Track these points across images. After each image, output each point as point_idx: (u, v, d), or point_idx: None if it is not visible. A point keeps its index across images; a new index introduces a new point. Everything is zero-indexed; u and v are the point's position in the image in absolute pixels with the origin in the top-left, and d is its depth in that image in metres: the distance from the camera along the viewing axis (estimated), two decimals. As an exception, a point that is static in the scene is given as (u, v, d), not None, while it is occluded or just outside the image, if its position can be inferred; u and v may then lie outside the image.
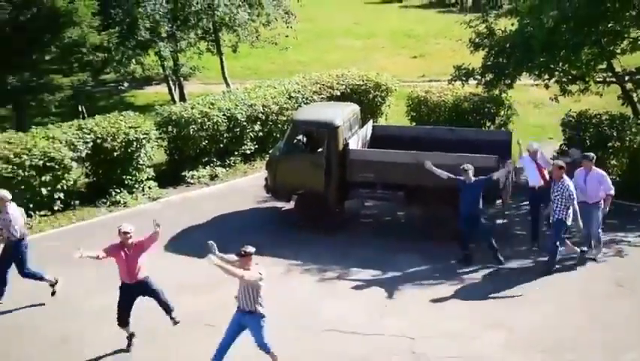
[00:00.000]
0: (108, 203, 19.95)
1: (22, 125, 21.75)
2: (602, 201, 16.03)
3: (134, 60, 27.87)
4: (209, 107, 21.79)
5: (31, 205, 18.66)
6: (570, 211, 15.87)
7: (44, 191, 18.82)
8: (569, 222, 15.93)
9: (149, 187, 20.79)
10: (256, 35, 29.75)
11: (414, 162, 17.26)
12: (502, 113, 22.93)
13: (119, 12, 25.81)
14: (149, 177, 20.82)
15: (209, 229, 18.36)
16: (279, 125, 22.48)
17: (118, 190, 20.19)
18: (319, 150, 18.05)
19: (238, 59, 31.14)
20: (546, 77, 21.46)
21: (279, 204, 19.56)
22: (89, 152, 19.58)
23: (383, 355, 13.51)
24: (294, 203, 18.90)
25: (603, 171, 16.29)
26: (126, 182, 20.35)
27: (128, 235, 12.88)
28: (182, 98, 28.13)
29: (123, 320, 13.34)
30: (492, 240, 16.25)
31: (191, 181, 21.47)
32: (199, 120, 21.34)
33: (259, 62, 31.86)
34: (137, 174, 20.54)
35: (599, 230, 16.14)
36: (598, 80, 21.86)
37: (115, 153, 19.81)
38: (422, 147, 17.98)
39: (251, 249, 12.03)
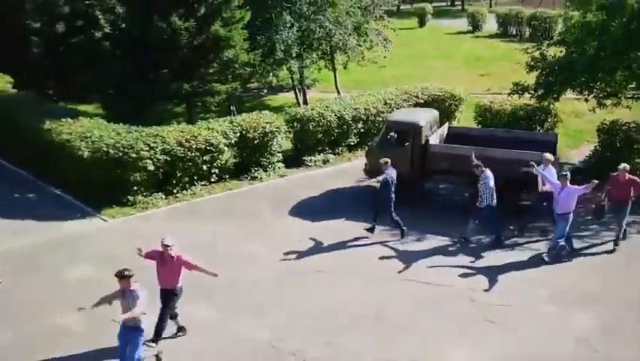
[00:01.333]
0: (249, 178, 21.41)
1: (192, 119, 23.56)
2: (571, 213, 15.47)
3: (271, 73, 29.02)
4: (325, 109, 23.11)
5: (195, 177, 20.26)
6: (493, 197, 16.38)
7: (204, 167, 20.32)
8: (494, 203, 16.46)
9: (279, 167, 22.27)
10: (362, 56, 30.72)
11: (476, 155, 17.56)
12: (550, 120, 23.54)
13: (262, 38, 27.08)
14: (279, 159, 22.36)
15: (322, 198, 20.03)
16: (376, 125, 23.50)
17: (256, 168, 21.68)
18: (406, 144, 19.15)
19: (347, 74, 32.20)
20: (586, 93, 22.19)
21: (375, 184, 19.49)
22: (237, 140, 21.07)
23: (449, 300, 14.37)
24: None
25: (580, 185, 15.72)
26: (262, 163, 21.85)
27: (168, 248, 11.99)
28: (305, 102, 29.61)
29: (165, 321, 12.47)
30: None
31: (309, 164, 22.85)
32: (316, 119, 22.72)
33: (363, 77, 32.96)
34: (270, 157, 22.04)
35: (559, 241, 15.69)
36: (628, 96, 22.63)
37: (255, 141, 21.39)
38: (485, 144, 18.81)
39: (128, 273, 11.03)
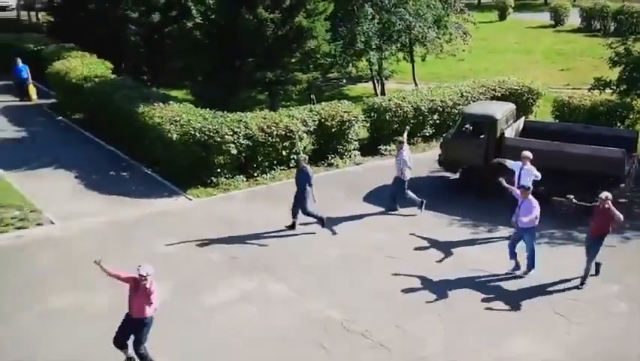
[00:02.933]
0: (326, 164, 21.54)
1: (274, 107, 23.51)
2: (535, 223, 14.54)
3: (351, 64, 29.05)
4: (402, 100, 22.90)
5: (275, 162, 20.57)
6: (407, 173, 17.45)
7: (284, 153, 20.56)
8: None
9: (355, 155, 22.29)
10: (440, 49, 30.42)
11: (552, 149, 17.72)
12: (632, 116, 22.67)
13: (343, 29, 27.05)
14: (355, 147, 22.35)
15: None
16: (452, 117, 23.15)
17: (333, 156, 21.79)
18: (481, 136, 18.81)
19: (425, 65, 31.81)
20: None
21: (447, 175, 20.26)
22: (316, 127, 21.16)
23: (509, 286, 14.38)
24: (459, 174, 19.72)
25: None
26: (339, 150, 21.93)
27: (143, 278, 10.82)
28: (383, 92, 29.27)
29: (119, 341, 11.39)
30: None
31: (385, 153, 22.69)
32: (393, 109, 22.51)
33: (441, 69, 32.62)
34: (347, 145, 22.04)
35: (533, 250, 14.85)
36: None
37: (333, 129, 21.44)
38: (562, 139, 18.38)
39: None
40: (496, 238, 16.66)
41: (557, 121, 23.05)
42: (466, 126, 19.14)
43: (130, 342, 11.33)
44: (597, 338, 12.68)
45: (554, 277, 14.65)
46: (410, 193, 17.98)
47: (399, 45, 29.39)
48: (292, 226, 17.03)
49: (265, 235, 16.73)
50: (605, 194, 13.88)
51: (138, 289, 10.95)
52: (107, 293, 13.31)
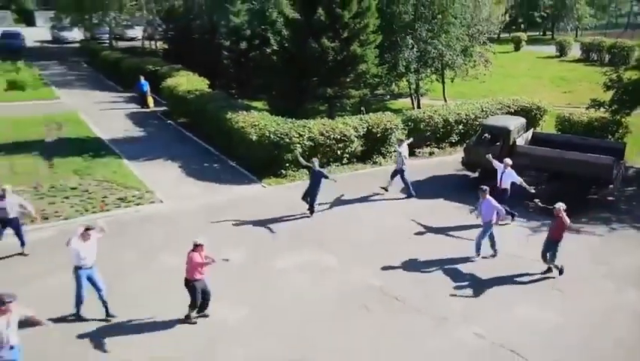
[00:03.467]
0: (371, 163, 21.15)
1: (332, 116, 23.25)
2: (493, 220, 13.84)
3: (394, 83, 28.62)
4: (433, 113, 22.52)
5: (331, 160, 20.37)
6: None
7: (338, 152, 20.35)
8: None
9: (394, 156, 21.50)
10: (466, 73, 29.54)
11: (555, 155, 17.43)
12: (620, 131, 22.10)
13: (389, 56, 26.43)
14: (395, 150, 21.22)
15: (427, 182, 19.38)
16: (474, 127, 22.62)
17: (377, 155, 21.40)
18: (497, 143, 18.40)
19: (453, 86, 31.22)
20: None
21: (468, 173, 19.76)
22: (364, 133, 20.80)
23: (525, 270, 13.74)
24: (478, 173, 19.17)
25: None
26: (382, 151, 21.52)
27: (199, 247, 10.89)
28: (419, 106, 28.84)
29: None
30: None
31: (419, 155, 22.18)
32: (426, 120, 22.17)
33: (466, 89, 31.91)
34: (389, 147, 21.56)
35: (482, 240, 14.05)
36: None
37: (377, 135, 21.09)
38: (563, 148, 18.07)
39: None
40: (505, 225, 16.03)
41: (560, 133, 22.45)
42: (485, 135, 18.72)
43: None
44: (588, 307, 12.37)
45: (557, 261, 14.02)
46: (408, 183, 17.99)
47: (433, 69, 28.83)
48: (311, 212, 16.50)
49: (320, 216, 16.60)
50: (558, 204, 12.84)
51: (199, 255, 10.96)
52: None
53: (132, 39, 56.51)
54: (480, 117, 22.77)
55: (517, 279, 13.39)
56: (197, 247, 10.93)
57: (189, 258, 10.93)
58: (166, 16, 42.21)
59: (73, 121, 26.53)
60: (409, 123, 22.11)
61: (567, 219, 12.78)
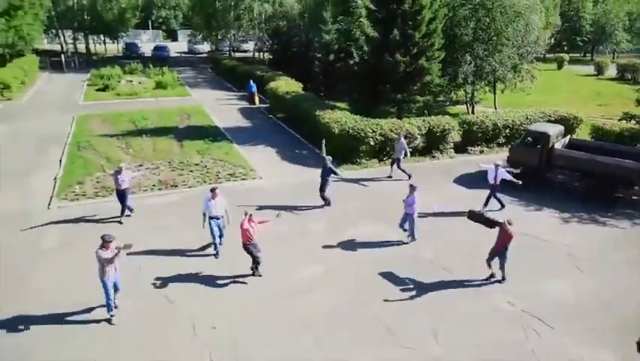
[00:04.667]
0: (430, 157, 20.42)
1: (400, 116, 22.79)
2: (415, 214, 13.00)
3: (453, 92, 27.63)
4: (485, 118, 21.55)
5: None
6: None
7: None
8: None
9: (450, 152, 20.87)
10: (514, 86, 27.69)
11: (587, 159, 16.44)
12: None
13: (450, 70, 25.29)
14: (451, 147, 20.97)
15: (476, 175, 18.26)
16: (519, 132, 21.40)
17: (436, 151, 20.60)
18: (538, 146, 17.45)
19: (503, 96, 29.26)
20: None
21: (511, 170, 18.36)
22: (426, 132, 20.25)
23: (551, 251, 13.11)
24: (520, 170, 17.66)
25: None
26: (440, 148, 20.71)
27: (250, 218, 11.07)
28: (473, 112, 26.93)
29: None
30: None
31: (470, 152, 21.21)
32: (479, 124, 21.24)
33: (513, 99, 30.27)
34: (446, 145, 20.84)
35: (413, 228, 13.22)
36: None
37: (437, 134, 20.44)
38: (596, 153, 16.91)
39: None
40: (542, 215, 15.26)
41: (594, 140, 20.78)
42: (527, 139, 17.77)
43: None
44: (606, 285, 11.73)
45: (579, 243, 13.38)
46: (403, 168, 17.70)
47: (486, 81, 27.49)
48: (327, 204, 15.44)
49: (386, 197, 16.25)
50: (507, 219, 11.23)
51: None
52: (287, 223, 13.91)
53: (245, 51, 57.82)
54: (524, 124, 21.55)
55: (546, 259, 12.76)
56: (246, 216, 11.15)
57: (240, 226, 11.12)
58: (272, 34, 42.88)
59: (199, 113, 27.60)
60: (464, 126, 21.33)
61: (511, 231, 11.09)
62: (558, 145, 17.79)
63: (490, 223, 11.54)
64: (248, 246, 11.23)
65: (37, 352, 9.21)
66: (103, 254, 9.56)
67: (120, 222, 13.97)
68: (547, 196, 16.50)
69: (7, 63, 34.82)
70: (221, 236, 12.41)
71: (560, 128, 18.65)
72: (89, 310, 10.26)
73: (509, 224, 11.11)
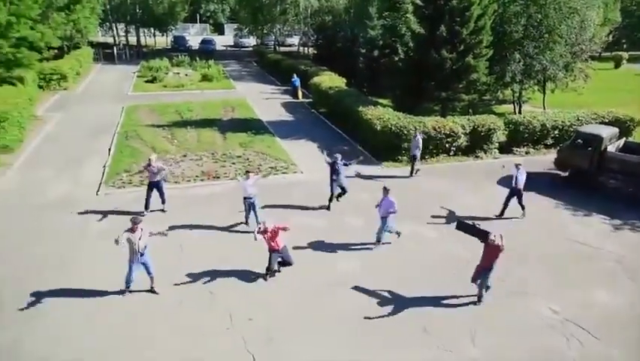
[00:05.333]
0: (474, 156, 19.92)
1: (444, 115, 22.30)
2: (388, 217, 12.42)
3: (500, 91, 26.79)
4: (532, 118, 20.81)
5: (440, 150, 19.59)
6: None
7: (447, 145, 19.50)
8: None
9: (495, 152, 20.24)
10: (565, 85, 26.70)
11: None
12: None
13: (497, 68, 24.52)
14: (495, 147, 20.31)
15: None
16: (568, 133, 20.51)
17: (479, 151, 20.04)
18: (589, 148, 16.79)
19: (553, 96, 28.13)
20: None
21: (558, 172, 18.04)
22: (470, 130, 19.73)
23: (590, 252, 12.66)
24: (567, 173, 17.67)
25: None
26: (484, 147, 20.13)
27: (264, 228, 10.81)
28: (520, 112, 26.15)
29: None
30: None
31: (516, 153, 20.56)
32: (526, 124, 20.56)
33: (564, 99, 29.00)
34: (490, 145, 20.10)
35: (383, 232, 12.63)
36: None
37: (482, 134, 19.89)
38: None
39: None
40: (592, 221, 14.61)
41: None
42: (578, 140, 17.08)
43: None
44: None
45: (630, 250, 12.78)
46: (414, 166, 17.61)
47: (535, 80, 26.48)
48: (340, 195, 15.11)
49: (423, 193, 16.10)
50: (498, 235, 10.29)
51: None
52: (326, 218, 14.00)
53: (290, 45, 58.25)
54: (575, 125, 20.61)
55: (593, 267, 12.26)
56: (258, 225, 11.03)
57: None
58: (317, 29, 43.00)
59: (243, 105, 28.02)
60: (510, 126, 20.68)
61: (502, 245, 10.24)
62: (611, 148, 17.03)
63: (482, 235, 10.47)
64: (272, 253, 11.08)
65: (72, 333, 9.51)
66: (127, 235, 10.01)
67: (163, 210, 14.33)
68: (598, 201, 15.85)
69: (65, 55, 36.50)
70: (257, 217, 13.07)
71: (614, 130, 17.82)
72: (129, 292, 10.60)
73: (496, 237, 10.18)
